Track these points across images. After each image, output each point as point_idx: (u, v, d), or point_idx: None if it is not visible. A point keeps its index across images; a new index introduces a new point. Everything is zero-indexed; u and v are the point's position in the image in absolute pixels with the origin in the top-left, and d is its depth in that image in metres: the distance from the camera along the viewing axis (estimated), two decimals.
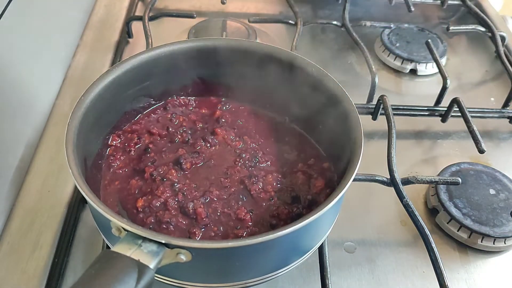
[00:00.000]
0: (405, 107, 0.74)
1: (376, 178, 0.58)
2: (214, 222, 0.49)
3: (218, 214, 0.50)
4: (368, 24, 0.87)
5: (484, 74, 0.88)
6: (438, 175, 0.65)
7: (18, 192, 0.60)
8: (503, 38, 0.89)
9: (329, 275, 0.52)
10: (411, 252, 0.59)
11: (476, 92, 0.85)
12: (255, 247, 0.40)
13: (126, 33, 0.86)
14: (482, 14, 0.93)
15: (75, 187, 0.61)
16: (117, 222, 0.39)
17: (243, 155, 0.55)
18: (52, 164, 0.64)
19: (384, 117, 0.66)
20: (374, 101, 0.72)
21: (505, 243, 0.59)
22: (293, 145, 0.58)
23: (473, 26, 0.90)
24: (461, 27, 0.90)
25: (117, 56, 0.82)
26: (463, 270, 0.58)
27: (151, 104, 0.61)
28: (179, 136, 0.57)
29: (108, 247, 0.51)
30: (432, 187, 0.64)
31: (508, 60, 0.83)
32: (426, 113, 0.74)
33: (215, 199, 0.51)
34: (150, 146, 0.56)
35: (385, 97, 0.68)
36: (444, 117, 0.74)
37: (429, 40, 0.81)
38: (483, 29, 0.90)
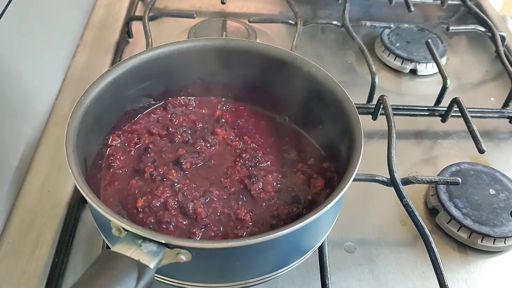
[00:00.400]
0: (405, 107, 0.74)
1: (376, 178, 0.58)
2: (214, 222, 0.49)
3: (218, 214, 0.50)
4: (368, 24, 0.87)
5: (484, 74, 0.88)
6: (438, 175, 0.65)
7: (18, 192, 0.60)
8: (503, 38, 0.89)
9: (329, 275, 0.52)
10: (411, 252, 0.59)
11: (476, 92, 0.85)
12: (255, 247, 0.40)
13: (126, 33, 0.86)
14: (482, 14, 0.93)
15: (75, 187, 0.61)
16: (117, 222, 0.39)
17: (243, 155, 0.55)
18: (52, 164, 0.64)
19: (384, 117, 0.66)
20: (374, 101, 0.72)
21: (505, 243, 0.59)
22: (293, 145, 0.58)
23: (473, 26, 0.90)
24: (461, 27, 0.90)
25: (117, 56, 0.82)
26: (463, 270, 0.58)
27: (151, 104, 0.61)
28: (179, 136, 0.57)
29: (108, 247, 0.52)
30: (432, 187, 0.64)
31: (508, 60, 0.83)
32: (426, 113, 0.74)
33: (215, 199, 0.51)
34: (150, 146, 0.56)
35: (385, 97, 0.68)
36: (444, 117, 0.74)
37: (429, 40, 0.81)
38: (483, 29, 0.90)
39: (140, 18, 0.81)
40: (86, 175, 0.48)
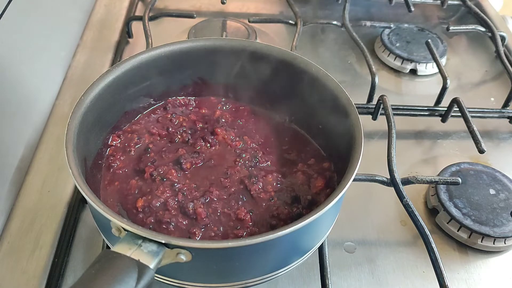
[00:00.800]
0: (405, 107, 0.74)
1: (376, 178, 0.58)
2: (214, 222, 0.49)
3: (218, 214, 0.50)
4: (368, 24, 0.87)
5: (484, 74, 0.88)
6: (438, 175, 0.65)
7: (18, 192, 0.60)
8: (503, 38, 0.89)
9: (329, 275, 0.52)
10: (411, 252, 0.59)
11: (476, 92, 0.85)
12: (255, 247, 0.40)
13: (126, 33, 0.86)
14: (482, 14, 0.93)
15: (75, 187, 0.61)
16: (117, 222, 0.39)
17: (243, 155, 0.55)
18: (52, 164, 0.64)
19: (384, 117, 0.66)
20: (374, 101, 0.72)
21: (505, 243, 0.59)
22: (293, 145, 0.58)
23: (473, 26, 0.90)
24: (461, 27, 0.90)
25: (117, 56, 0.82)
26: (463, 270, 0.58)
27: (151, 104, 0.61)
28: (179, 136, 0.57)
29: (108, 247, 0.52)
30: (432, 187, 0.64)
31: (508, 60, 0.83)
32: (426, 113, 0.74)
33: (215, 199, 0.51)
34: (150, 146, 0.56)
35: (385, 97, 0.68)
36: (444, 117, 0.74)
37: (429, 40, 0.81)
38: (483, 29, 0.90)
39: (140, 18, 0.81)
40: (86, 175, 0.48)
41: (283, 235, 0.39)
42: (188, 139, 0.57)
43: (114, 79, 0.53)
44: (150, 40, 0.75)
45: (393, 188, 0.58)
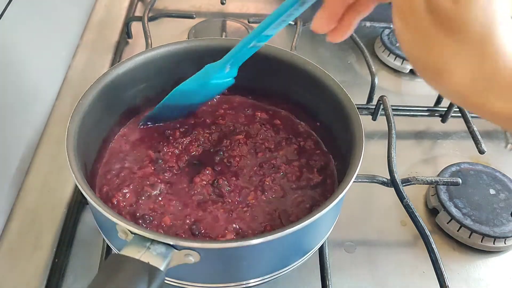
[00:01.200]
0: (405, 107, 0.74)
1: (376, 178, 0.58)
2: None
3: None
4: (368, 24, 0.87)
5: None
6: (438, 175, 0.65)
7: (18, 192, 0.60)
8: None
9: (329, 276, 0.52)
10: (411, 252, 0.59)
11: None
12: (261, 246, 0.40)
13: (126, 33, 0.86)
14: None
15: (75, 187, 0.61)
16: (124, 225, 0.39)
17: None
18: (52, 164, 0.64)
19: (384, 117, 0.66)
20: (374, 102, 0.72)
21: (505, 243, 0.59)
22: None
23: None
24: None
25: (117, 56, 0.82)
26: (463, 270, 0.58)
27: (151, 105, 0.60)
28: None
29: (108, 247, 0.52)
30: (432, 187, 0.64)
31: None
32: (426, 113, 0.74)
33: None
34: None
35: (385, 97, 0.68)
36: (444, 117, 0.74)
37: None
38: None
39: (139, 19, 0.81)
40: (86, 179, 0.48)
41: (288, 234, 0.40)
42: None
43: (113, 81, 0.53)
44: (149, 41, 0.75)
45: (393, 188, 0.58)
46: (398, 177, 0.57)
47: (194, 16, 0.84)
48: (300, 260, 0.47)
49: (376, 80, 0.72)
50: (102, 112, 0.53)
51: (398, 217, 0.62)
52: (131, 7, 0.93)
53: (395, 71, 0.86)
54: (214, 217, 0.49)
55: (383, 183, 0.58)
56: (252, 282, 0.45)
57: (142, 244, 0.38)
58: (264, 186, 0.52)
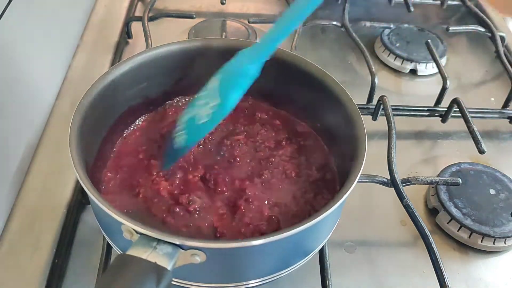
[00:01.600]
0: (405, 108, 0.74)
1: (376, 179, 0.58)
2: None
3: None
4: (368, 24, 0.87)
5: (484, 74, 0.88)
6: (438, 175, 0.65)
7: (18, 192, 0.60)
8: (503, 39, 0.89)
9: (329, 276, 0.52)
10: (411, 252, 0.59)
11: (476, 92, 0.85)
12: (266, 246, 0.40)
13: (126, 33, 0.86)
14: (482, 14, 0.93)
15: (75, 188, 0.61)
16: (130, 225, 0.39)
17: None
18: (52, 164, 0.64)
19: (384, 117, 0.66)
20: (374, 102, 0.72)
21: (505, 243, 0.59)
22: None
23: (473, 26, 0.90)
24: (461, 27, 0.90)
25: (117, 56, 0.82)
26: (463, 270, 0.58)
27: (150, 105, 0.60)
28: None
29: (108, 248, 0.52)
30: (432, 187, 0.64)
31: (508, 60, 0.83)
32: (426, 113, 0.74)
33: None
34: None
35: (385, 97, 0.68)
36: (444, 117, 0.74)
37: (429, 40, 0.81)
38: (483, 29, 0.90)
39: (139, 19, 0.81)
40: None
41: (291, 235, 0.40)
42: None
43: (114, 80, 0.53)
44: (149, 41, 0.75)
45: (393, 188, 0.58)
46: (398, 177, 0.57)
47: (194, 16, 0.84)
48: (302, 260, 0.47)
49: (376, 80, 0.72)
50: (103, 112, 0.52)
51: (398, 217, 0.62)
52: (131, 7, 0.93)
53: (395, 71, 0.86)
54: None
55: (383, 183, 0.58)
56: (254, 282, 0.45)
57: (149, 244, 0.38)
58: (263, 181, 0.53)
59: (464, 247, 0.60)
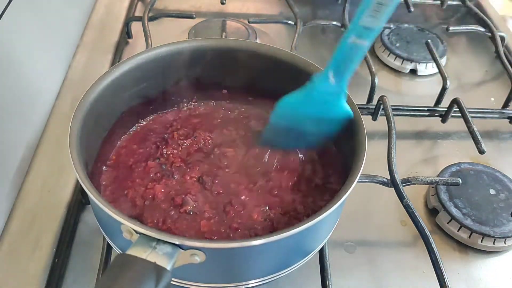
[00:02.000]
0: (405, 108, 0.74)
1: (376, 179, 0.58)
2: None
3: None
4: None
5: (484, 74, 0.88)
6: (438, 175, 0.65)
7: (18, 192, 0.60)
8: (502, 38, 0.89)
9: (329, 276, 0.52)
10: (411, 252, 0.59)
11: (476, 92, 0.85)
12: (266, 246, 0.40)
13: (126, 33, 0.86)
14: (482, 14, 0.93)
15: (75, 188, 0.61)
16: (129, 224, 0.39)
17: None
18: (52, 164, 0.64)
19: (384, 117, 0.66)
20: (374, 102, 0.72)
21: (505, 243, 0.59)
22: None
23: (473, 26, 0.90)
24: (461, 27, 0.90)
25: (117, 56, 0.82)
26: (463, 270, 0.58)
27: (150, 105, 0.60)
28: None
29: (108, 248, 0.52)
30: (432, 187, 0.64)
31: (508, 60, 0.83)
32: (426, 113, 0.74)
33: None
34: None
35: (385, 97, 0.68)
36: (444, 117, 0.74)
37: (429, 40, 0.81)
38: (483, 29, 0.90)
39: (139, 19, 0.81)
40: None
41: (291, 235, 0.40)
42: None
43: (114, 81, 0.53)
44: (149, 41, 0.75)
45: (393, 188, 0.58)
46: (398, 177, 0.57)
47: (194, 16, 0.84)
48: (302, 260, 0.47)
49: (376, 80, 0.72)
50: (103, 112, 0.52)
51: (398, 217, 0.62)
52: (131, 7, 0.93)
53: (395, 71, 0.86)
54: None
55: (383, 183, 0.58)
56: (254, 282, 0.45)
57: (148, 244, 0.38)
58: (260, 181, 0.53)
59: (464, 247, 0.60)
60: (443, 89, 0.73)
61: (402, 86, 0.84)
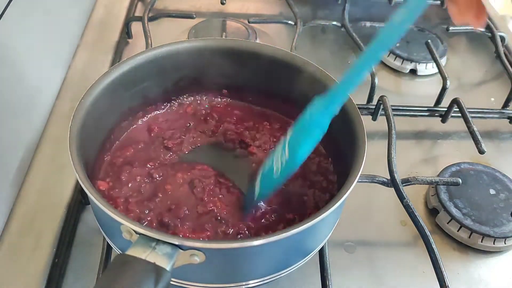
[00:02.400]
0: (405, 108, 0.74)
1: (376, 179, 0.58)
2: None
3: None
4: (368, 25, 0.87)
5: (484, 74, 0.88)
6: (438, 175, 0.65)
7: (18, 192, 0.60)
8: (502, 39, 0.89)
9: (329, 276, 0.52)
10: (411, 252, 0.59)
11: (476, 92, 0.85)
12: (266, 246, 0.40)
13: (126, 33, 0.86)
14: None
15: (75, 188, 0.61)
16: (129, 225, 0.39)
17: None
18: (52, 164, 0.64)
19: (384, 117, 0.66)
20: (374, 102, 0.72)
21: (505, 243, 0.59)
22: None
23: (472, 26, 0.90)
24: (461, 27, 0.90)
25: (117, 56, 0.82)
26: (463, 270, 0.58)
27: (150, 105, 0.60)
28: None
29: (108, 248, 0.52)
30: (432, 187, 0.64)
31: (508, 60, 0.83)
32: (426, 113, 0.74)
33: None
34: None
35: (385, 97, 0.68)
36: (444, 117, 0.74)
37: (429, 40, 0.81)
38: (483, 29, 0.90)
39: (139, 19, 0.81)
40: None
41: (291, 235, 0.40)
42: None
43: (114, 81, 0.53)
44: (149, 41, 0.75)
45: (393, 188, 0.58)
46: (398, 177, 0.57)
47: (194, 16, 0.84)
48: (302, 260, 0.47)
49: (376, 80, 0.72)
50: (103, 112, 0.52)
51: (398, 217, 0.62)
52: (131, 7, 0.93)
53: (395, 71, 0.86)
54: None
55: (383, 183, 0.58)
56: (254, 282, 0.45)
57: (148, 244, 0.38)
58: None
59: (464, 247, 0.60)
60: (443, 89, 0.73)
61: (402, 86, 0.84)
